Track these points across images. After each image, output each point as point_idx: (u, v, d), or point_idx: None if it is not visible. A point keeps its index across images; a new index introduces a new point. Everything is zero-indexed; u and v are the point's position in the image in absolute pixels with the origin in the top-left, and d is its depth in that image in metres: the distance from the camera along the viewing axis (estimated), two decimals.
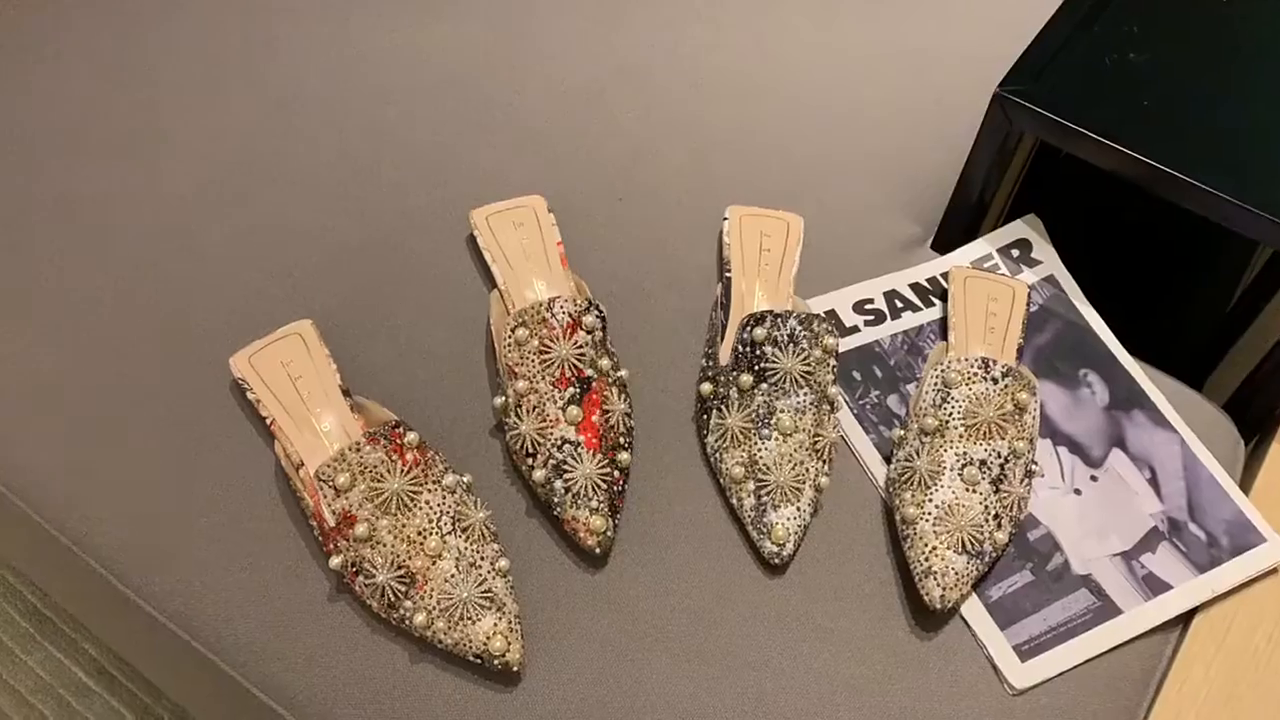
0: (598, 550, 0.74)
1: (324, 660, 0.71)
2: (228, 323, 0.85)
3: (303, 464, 0.76)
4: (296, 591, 0.73)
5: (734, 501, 0.77)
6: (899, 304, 0.92)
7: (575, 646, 0.72)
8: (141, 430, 0.80)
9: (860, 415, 0.85)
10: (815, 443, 0.78)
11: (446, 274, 0.90)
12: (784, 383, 0.78)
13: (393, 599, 0.69)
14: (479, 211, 0.90)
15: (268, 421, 0.78)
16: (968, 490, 0.75)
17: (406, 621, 0.70)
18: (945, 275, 0.94)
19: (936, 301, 0.93)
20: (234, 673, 0.72)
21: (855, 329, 0.90)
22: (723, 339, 0.84)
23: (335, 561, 0.71)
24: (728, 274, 0.88)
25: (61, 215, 0.92)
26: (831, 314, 0.91)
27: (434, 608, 0.69)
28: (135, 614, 0.76)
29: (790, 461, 0.76)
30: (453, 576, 0.70)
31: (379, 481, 0.70)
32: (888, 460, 0.82)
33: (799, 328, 0.79)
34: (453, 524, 0.71)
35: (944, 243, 0.98)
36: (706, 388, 0.81)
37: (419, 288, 0.89)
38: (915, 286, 0.94)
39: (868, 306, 0.92)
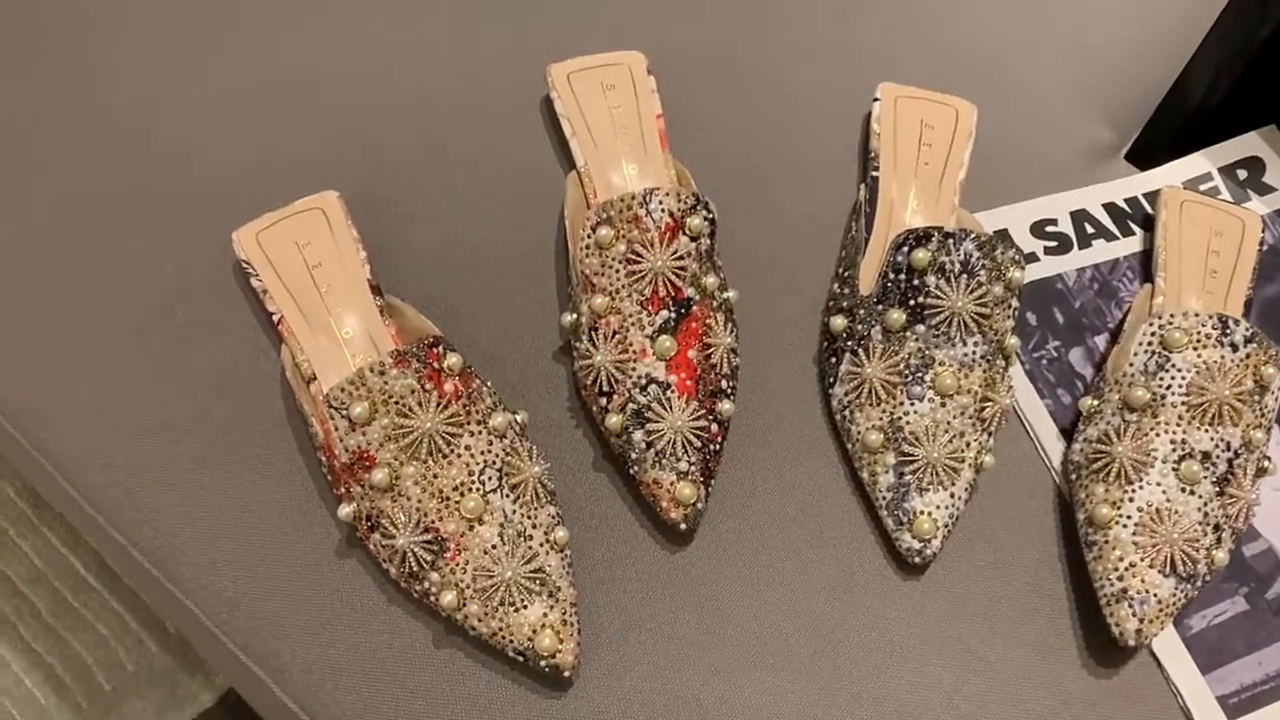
0: (683, 526, 0.56)
1: (326, 630, 0.55)
2: (235, 192, 0.67)
3: (315, 378, 0.59)
4: (298, 540, 0.57)
5: (865, 476, 0.59)
6: (1089, 229, 0.71)
7: (644, 649, 0.56)
8: (118, 317, 0.63)
9: (1034, 372, 0.65)
10: (982, 409, 0.59)
11: (512, 146, 0.71)
12: (949, 326, 0.58)
13: (415, 568, 0.53)
14: (559, 67, 0.70)
15: (275, 319, 0.60)
16: (1184, 491, 0.56)
17: (431, 598, 0.53)
18: (1151, 197, 0.73)
19: (1137, 230, 0.72)
20: (216, 629, 0.57)
21: (1033, 257, 0.70)
22: (863, 259, 0.64)
23: (345, 511, 0.54)
24: (874, 173, 0.68)
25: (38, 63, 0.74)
26: (1003, 236, 0.70)
27: (468, 586, 0.52)
28: (107, 540, 0.60)
29: (948, 432, 0.57)
30: (494, 548, 0.53)
31: (407, 417, 0.53)
32: (1066, 435, 0.63)
33: (976, 253, 0.59)
34: (499, 478, 0.54)
35: (1144, 154, 0.76)
36: (839, 322, 0.62)
37: (475, 161, 0.70)
38: (1111, 208, 0.72)
39: (1049, 229, 0.71)
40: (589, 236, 0.59)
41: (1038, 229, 0.71)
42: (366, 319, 0.61)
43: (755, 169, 0.71)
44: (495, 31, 0.76)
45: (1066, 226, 0.71)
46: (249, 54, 0.74)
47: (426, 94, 0.73)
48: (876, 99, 0.71)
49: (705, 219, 0.60)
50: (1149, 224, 0.72)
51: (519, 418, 0.57)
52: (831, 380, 0.62)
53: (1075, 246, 0.70)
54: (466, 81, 0.73)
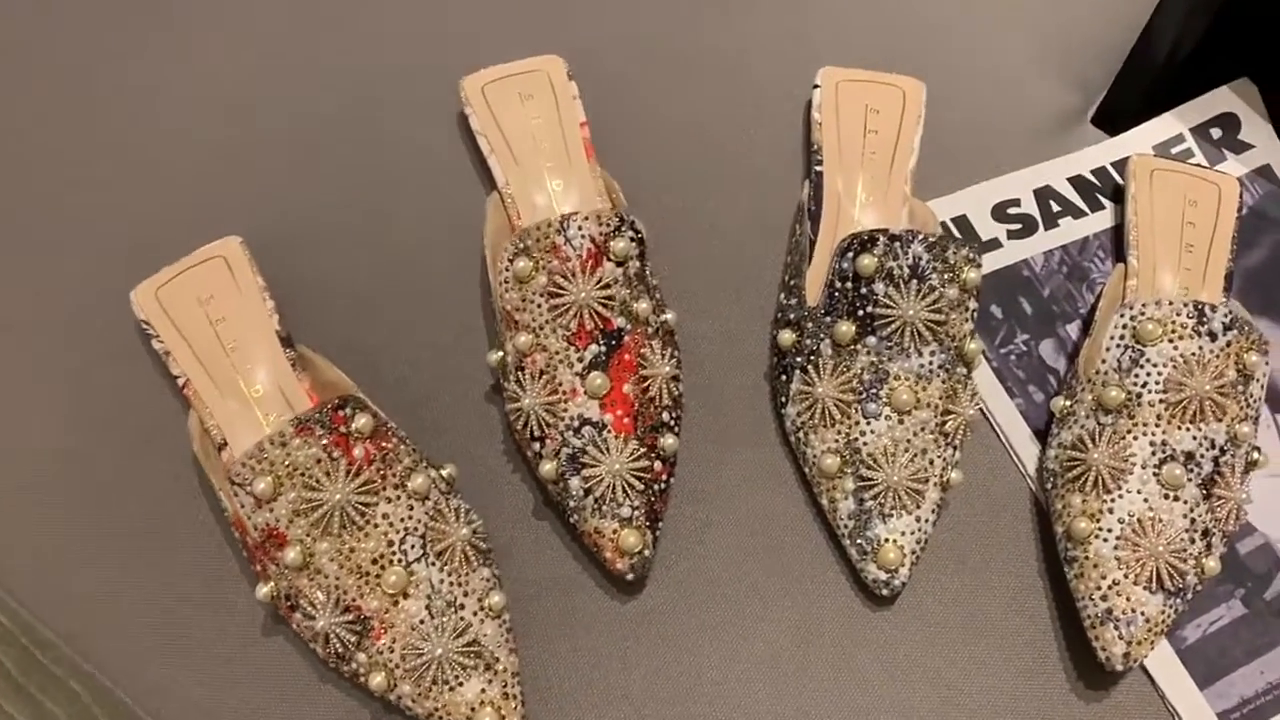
0: (630, 576, 0.52)
1: (260, 714, 0.51)
2: (130, 245, 0.63)
3: (225, 444, 0.55)
4: (225, 619, 0.53)
5: (825, 503, 0.55)
6: (1055, 207, 0.66)
7: (597, 710, 0.52)
8: (11, 390, 0.59)
9: (1002, 370, 0.61)
10: (944, 422, 0.54)
11: (428, 169, 0.66)
12: (902, 336, 0.54)
13: (340, 650, 0.49)
14: (473, 79, 0.65)
15: (180, 382, 0.56)
16: (1167, 497, 0.52)
17: (361, 679, 0.49)
18: (1120, 166, 0.68)
19: (1108, 203, 0.67)
20: (149, 718, 0.53)
21: (995, 243, 0.65)
22: (810, 265, 0.59)
23: (263, 591, 0.50)
24: (818, 167, 0.63)
25: None
26: (962, 223, 0.65)
27: (397, 666, 0.48)
28: (32, 634, 0.57)
29: (908, 451, 0.53)
30: (422, 623, 0.49)
31: (315, 489, 0.49)
32: (1041, 437, 0.59)
33: (925, 256, 0.54)
34: (423, 546, 0.50)
35: (1112, 116, 0.71)
36: (787, 337, 0.57)
37: (389, 189, 0.65)
38: (1078, 182, 0.68)
39: (1012, 211, 0.66)
40: (506, 269, 0.54)
41: (999, 212, 0.66)
42: (277, 374, 0.56)
43: (694, 173, 0.66)
44: (402, 47, 0.71)
45: (1030, 206, 0.66)
46: (130, 93, 0.69)
47: (331, 121, 0.68)
48: (817, 85, 0.66)
49: (632, 240, 0.55)
50: (1119, 195, 0.67)
51: (445, 473, 0.53)
52: (783, 399, 0.57)
53: (1041, 227, 0.66)
54: (374, 103, 0.68)
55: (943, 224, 0.65)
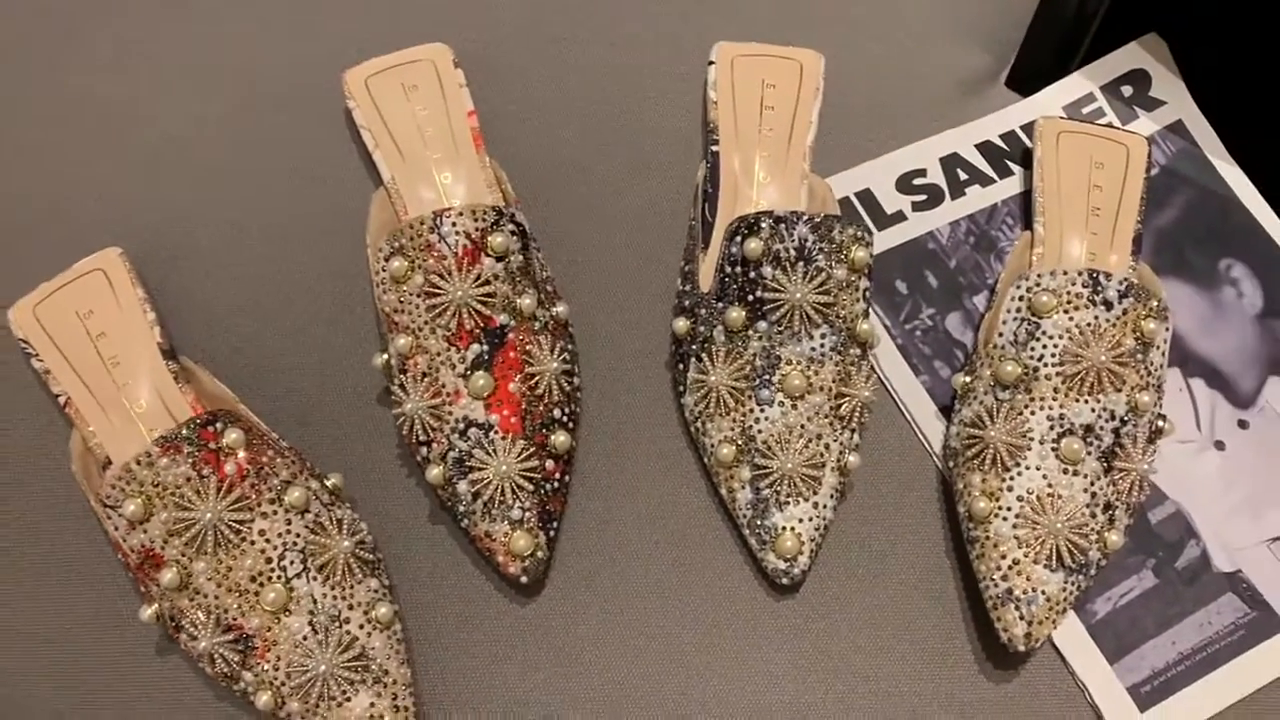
0: (524, 578, 0.51)
1: None
2: (3, 262, 0.61)
3: (110, 462, 0.53)
4: (117, 642, 0.52)
5: (724, 493, 0.54)
6: (962, 175, 0.65)
7: (502, 715, 0.51)
8: None
9: (907, 346, 0.60)
10: (839, 405, 0.53)
11: (312, 168, 0.64)
12: (791, 320, 0.52)
13: (225, 669, 0.48)
14: (355, 72, 0.63)
15: (61, 401, 0.55)
16: (1066, 472, 0.51)
17: (250, 698, 0.48)
18: (1029, 129, 0.67)
19: (1016, 169, 0.65)
20: None
21: (900, 216, 0.64)
22: (704, 250, 0.58)
23: (147, 613, 0.49)
24: (714, 147, 0.61)
25: None
26: (866, 197, 0.64)
27: (283, 684, 0.47)
28: None
29: (802, 436, 0.52)
30: (306, 639, 0.48)
31: (186, 509, 0.48)
32: (946, 413, 0.58)
33: (811, 236, 0.53)
34: (303, 561, 0.49)
35: (1024, 78, 0.70)
36: (682, 324, 0.56)
37: (272, 191, 0.63)
38: (985, 147, 0.66)
39: (917, 182, 0.65)
40: (383, 269, 0.53)
41: (904, 183, 0.64)
42: (161, 388, 0.55)
43: (588, 159, 0.65)
44: (281, 41, 0.69)
45: (936, 176, 0.65)
46: (7, 101, 0.67)
47: (211, 122, 0.65)
48: (712, 62, 0.64)
49: (512, 233, 0.53)
50: (1028, 161, 0.65)
51: (329, 483, 0.52)
52: (682, 388, 0.56)
53: (948, 197, 0.64)
54: (252, 100, 0.66)
55: (846, 199, 0.63)
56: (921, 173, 0.65)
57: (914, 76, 0.70)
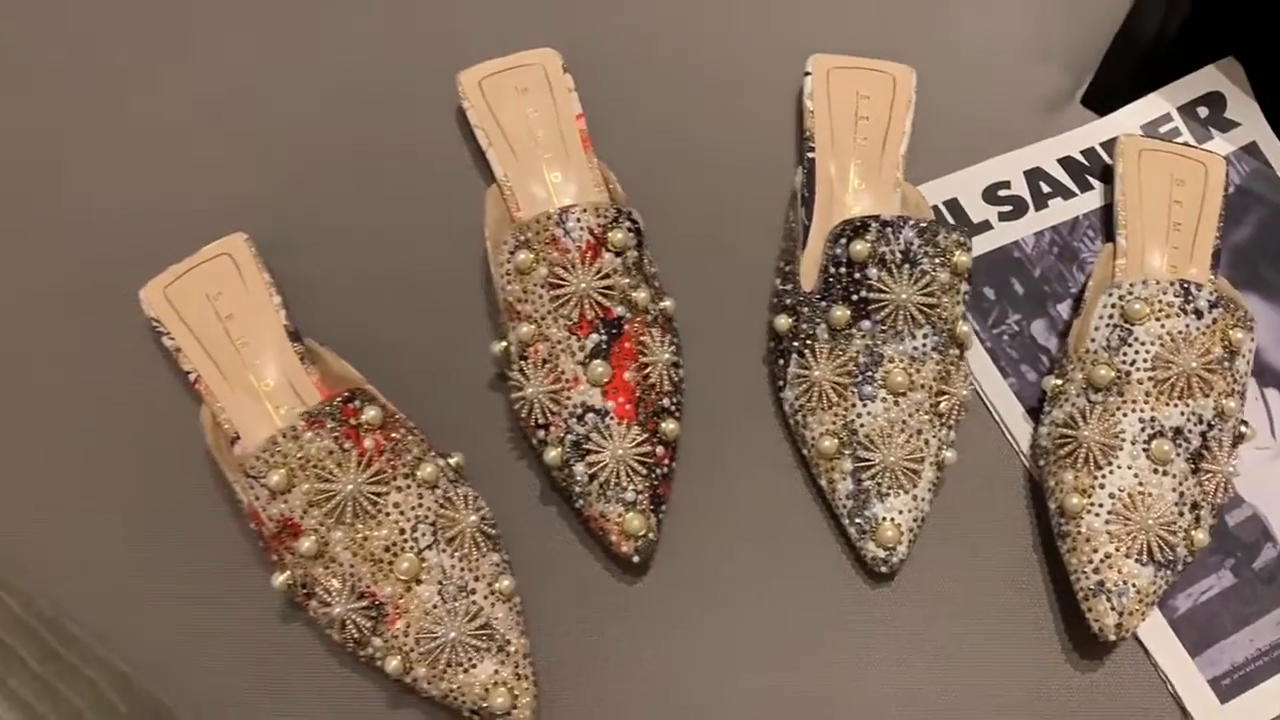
0: (636, 558, 0.54)
1: (282, 697, 0.53)
2: (134, 245, 0.64)
3: (238, 438, 0.56)
4: (243, 607, 0.55)
5: (823, 484, 0.56)
6: (1045, 188, 0.68)
7: (608, 688, 0.53)
8: (29, 392, 0.60)
9: (995, 349, 0.62)
10: (938, 403, 0.55)
11: (427, 163, 0.67)
12: (895, 320, 0.55)
13: (356, 635, 0.50)
14: (469, 73, 0.66)
15: (191, 378, 0.57)
16: (1156, 472, 0.53)
17: (377, 663, 0.51)
18: (1108, 146, 0.69)
19: (1096, 184, 0.68)
20: (169, 703, 0.54)
21: (986, 225, 0.66)
22: (804, 250, 0.60)
23: (279, 580, 0.52)
24: (810, 154, 0.64)
25: None
26: (954, 206, 0.67)
27: (412, 649, 0.50)
28: (51, 626, 0.58)
29: (904, 431, 0.54)
30: (435, 608, 0.50)
31: (328, 480, 0.50)
32: (1034, 415, 0.60)
33: (917, 240, 0.55)
34: (434, 533, 0.51)
35: (1102, 97, 0.72)
36: (783, 322, 0.58)
37: (389, 184, 0.66)
38: (1067, 163, 0.69)
39: (1002, 193, 0.67)
40: (508, 261, 0.55)
41: (990, 194, 0.67)
42: (287, 368, 0.58)
43: (688, 161, 0.67)
44: (396, 42, 0.72)
45: (1021, 188, 0.67)
46: (130, 92, 0.70)
47: (330, 117, 0.69)
48: (808, 73, 0.67)
49: (629, 230, 0.56)
50: (1108, 176, 0.68)
51: (453, 461, 0.54)
52: (781, 383, 0.59)
53: (1031, 209, 0.67)
54: (370, 98, 0.69)
55: (934, 208, 0.66)
56: (1006, 184, 0.67)
57: (995, 93, 0.72)
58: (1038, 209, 0.67)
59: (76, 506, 0.57)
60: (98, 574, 0.56)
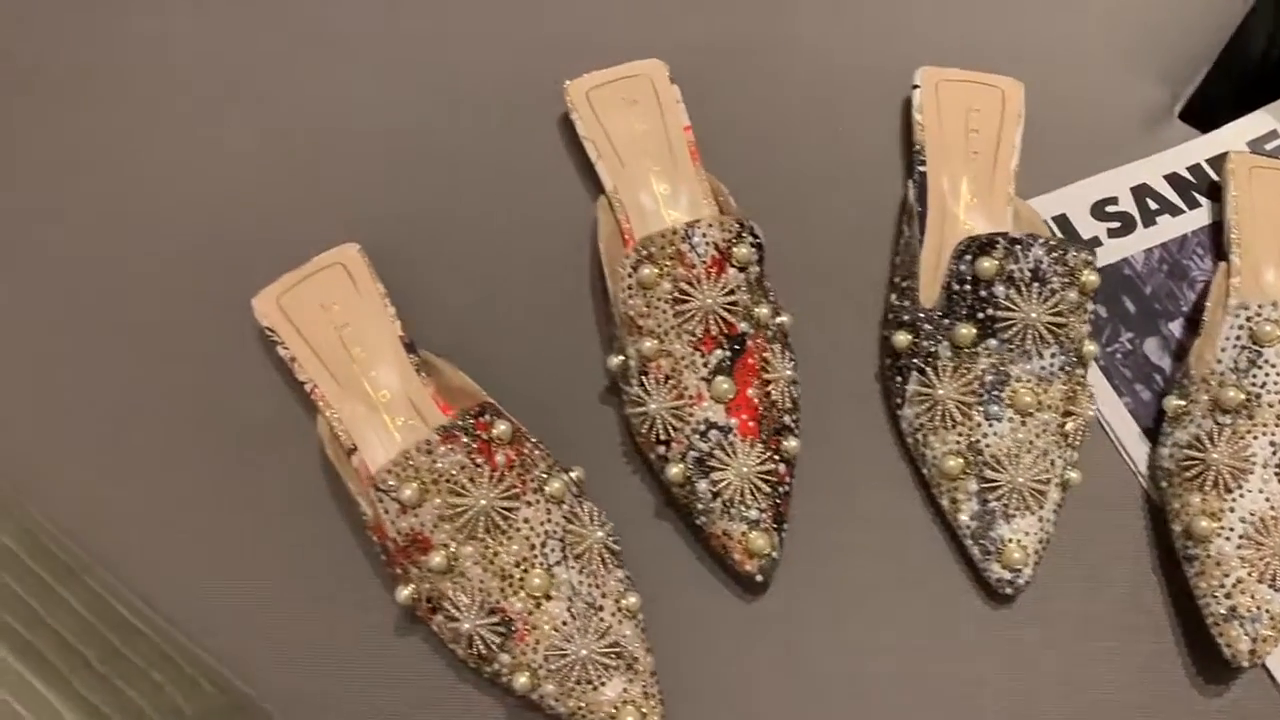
0: (759, 577, 0.53)
1: (395, 715, 0.52)
2: (246, 253, 0.64)
3: (355, 449, 0.56)
4: (359, 620, 0.55)
5: (945, 504, 0.56)
6: (1153, 205, 0.67)
7: (731, 707, 0.53)
8: (141, 404, 0.60)
9: (1109, 368, 0.62)
10: (1064, 423, 0.55)
11: (533, 173, 0.67)
12: (1023, 339, 0.54)
13: (484, 651, 0.50)
14: (577, 84, 0.66)
15: (307, 388, 0.57)
16: None
17: (503, 679, 0.51)
18: (1215, 162, 0.68)
19: (1203, 200, 0.67)
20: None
21: (1095, 242, 0.66)
22: (919, 264, 0.60)
23: (404, 594, 0.51)
24: (921, 168, 0.64)
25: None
26: (1063, 222, 0.66)
27: (540, 666, 0.50)
28: (167, 639, 0.58)
29: (1031, 452, 0.54)
30: (565, 624, 0.50)
31: (460, 495, 0.50)
32: (1150, 435, 0.59)
33: (1047, 259, 0.55)
34: (562, 549, 0.51)
35: (1202, 113, 0.71)
36: (902, 339, 0.58)
37: (496, 194, 0.66)
38: (1174, 180, 0.68)
39: (1110, 210, 0.67)
40: (630, 276, 0.55)
41: (1098, 210, 0.66)
42: (403, 379, 0.57)
43: (794, 173, 0.67)
44: (500, 53, 0.71)
45: (1129, 204, 0.67)
46: (242, 103, 0.70)
47: (434, 129, 0.68)
48: (916, 86, 0.66)
49: (752, 245, 0.56)
50: (1215, 193, 0.67)
51: (574, 475, 0.54)
52: (899, 401, 0.58)
53: (1139, 225, 0.66)
54: (475, 110, 0.69)
55: (1044, 223, 0.65)
56: (1114, 200, 0.67)
57: (1091, 106, 0.72)
58: (1146, 226, 0.66)
59: (190, 518, 0.57)
60: (208, 584, 0.55)
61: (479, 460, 0.51)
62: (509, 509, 0.50)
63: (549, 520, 0.51)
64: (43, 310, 0.63)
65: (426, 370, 0.58)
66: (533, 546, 0.51)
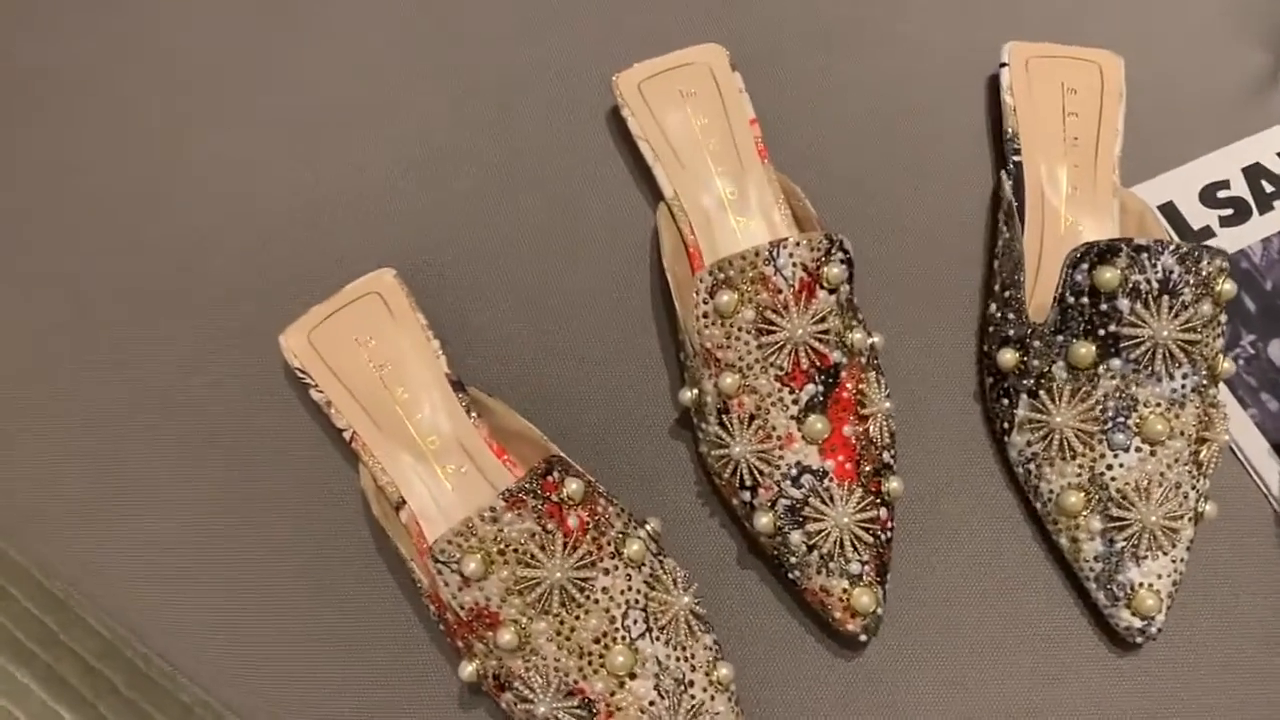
0: (863, 637, 0.48)
1: None
2: (271, 281, 0.57)
3: (404, 502, 0.50)
4: (419, 693, 0.49)
5: (1064, 543, 0.50)
6: (1268, 187, 0.60)
7: None
8: (156, 456, 0.54)
9: (1230, 377, 0.55)
10: (1198, 451, 0.49)
11: (582, 180, 0.60)
12: (1152, 359, 0.48)
13: None
14: (626, 76, 0.59)
15: (346, 435, 0.51)
16: None
17: None
18: None
19: None
20: None
21: (1207, 233, 0.59)
22: (1023, 271, 0.54)
23: (468, 671, 0.46)
24: (1015, 157, 0.57)
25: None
26: (1170, 211, 0.59)
27: None
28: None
29: (1162, 485, 0.48)
30: (653, 704, 0.44)
31: (531, 566, 0.44)
32: (1279, 449, 0.54)
33: (1177, 268, 0.48)
34: (645, 620, 0.45)
35: None
36: (1008, 357, 0.52)
37: (544, 209, 0.59)
38: None
39: (1222, 195, 0.60)
40: (705, 304, 0.49)
41: (1208, 196, 0.60)
42: (453, 422, 0.52)
43: (866, 170, 0.60)
44: (539, 48, 0.64)
45: (1241, 188, 0.60)
46: (264, 112, 0.63)
47: (472, 138, 0.61)
48: (1004, 64, 0.59)
49: (842, 263, 0.49)
50: None
51: (651, 528, 0.48)
52: (1006, 426, 0.52)
53: (1255, 212, 0.60)
54: (516, 114, 0.62)
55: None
56: (1225, 184, 0.60)
57: (1195, 78, 0.65)
58: (1262, 212, 0.60)
59: (222, 584, 0.51)
60: (243, 646, 0.50)
61: (549, 526, 0.45)
62: (585, 579, 0.45)
63: (629, 588, 0.46)
64: (46, 341, 0.56)
65: (477, 410, 0.52)
66: (613, 619, 0.45)
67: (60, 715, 0.99)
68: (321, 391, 0.52)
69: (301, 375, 0.52)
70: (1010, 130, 0.58)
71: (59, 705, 1.01)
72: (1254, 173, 0.61)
